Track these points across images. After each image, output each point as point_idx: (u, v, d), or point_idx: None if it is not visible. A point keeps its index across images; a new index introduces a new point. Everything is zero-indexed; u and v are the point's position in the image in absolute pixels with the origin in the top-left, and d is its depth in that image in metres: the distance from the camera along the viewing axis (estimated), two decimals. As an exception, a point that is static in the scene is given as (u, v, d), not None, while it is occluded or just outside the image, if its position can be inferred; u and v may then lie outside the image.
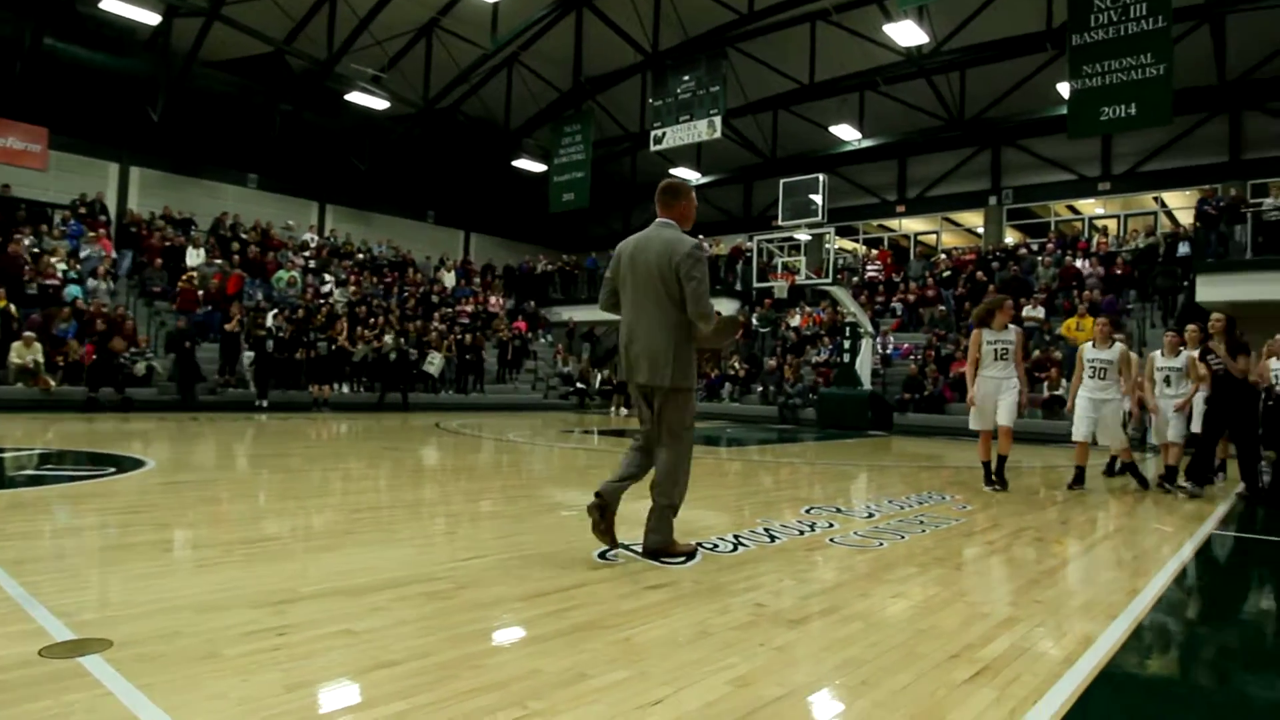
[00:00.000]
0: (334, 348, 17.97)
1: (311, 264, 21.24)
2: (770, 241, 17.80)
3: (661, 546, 4.16)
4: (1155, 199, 22.06)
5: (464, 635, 2.94)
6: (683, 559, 4.14)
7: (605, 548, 4.28)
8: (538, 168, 25.02)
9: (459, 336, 20.75)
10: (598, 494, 4.11)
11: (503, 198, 28.19)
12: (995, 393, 7.12)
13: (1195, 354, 7.88)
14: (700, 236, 25.78)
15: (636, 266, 4.11)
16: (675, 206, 4.20)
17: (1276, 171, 18.98)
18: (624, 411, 20.41)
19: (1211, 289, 15.85)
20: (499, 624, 3.08)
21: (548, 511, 5.48)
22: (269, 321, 17.49)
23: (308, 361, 17.31)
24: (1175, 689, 2.77)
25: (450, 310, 22.51)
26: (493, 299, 24.61)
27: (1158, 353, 8.08)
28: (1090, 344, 7.62)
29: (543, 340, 24.86)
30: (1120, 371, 7.49)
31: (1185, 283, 16.89)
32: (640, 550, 4.22)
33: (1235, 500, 7.21)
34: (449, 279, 24.54)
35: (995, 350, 7.16)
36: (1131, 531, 5.57)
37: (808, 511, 5.74)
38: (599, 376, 23.11)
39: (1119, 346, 7.48)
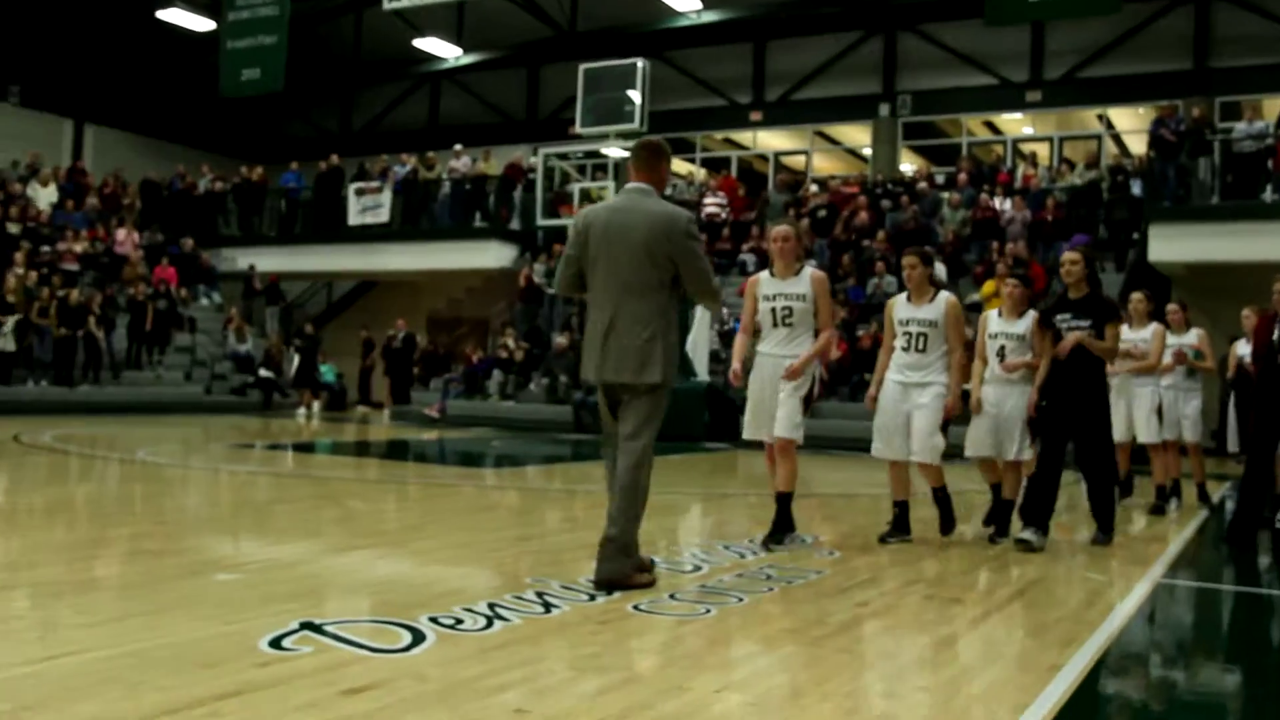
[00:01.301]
0: None
1: None
2: (565, 158, 17.87)
3: (620, 576, 5.11)
4: (1100, 117, 24.07)
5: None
6: (646, 586, 5.13)
7: (288, 630, 4.16)
8: (200, 24, 23.88)
9: (60, 293, 19.50)
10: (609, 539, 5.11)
11: (140, 70, 26.72)
12: (772, 381, 6.70)
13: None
14: (473, 146, 25.53)
15: (613, 243, 5.12)
16: (658, 169, 5.32)
17: (1252, 86, 21.11)
18: (307, 412, 19.92)
19: (1167, 244, 17.46)
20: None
21: (195, 575, 5.33)
22: None
23: None
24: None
25: (49, 249, 21.22)
26: (121, 233, 23.44)
27: (994, 312, 7.82)
28: (904, 297, 7.27)
29: (205, 301, 23.89)
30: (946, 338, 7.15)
31: (1136, 234, 18.50)
32: (594, 581, 5.12)
33: (1194, 535, 7.98)
34: (44, 196, 23.11)
35: (774, 311, 6.78)
36: (1055, 583, 6.02)
37: (605, 565, 5.79)
38: (295, 359, 22.46)
39: (944, 297, 7.17)
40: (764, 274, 6.99)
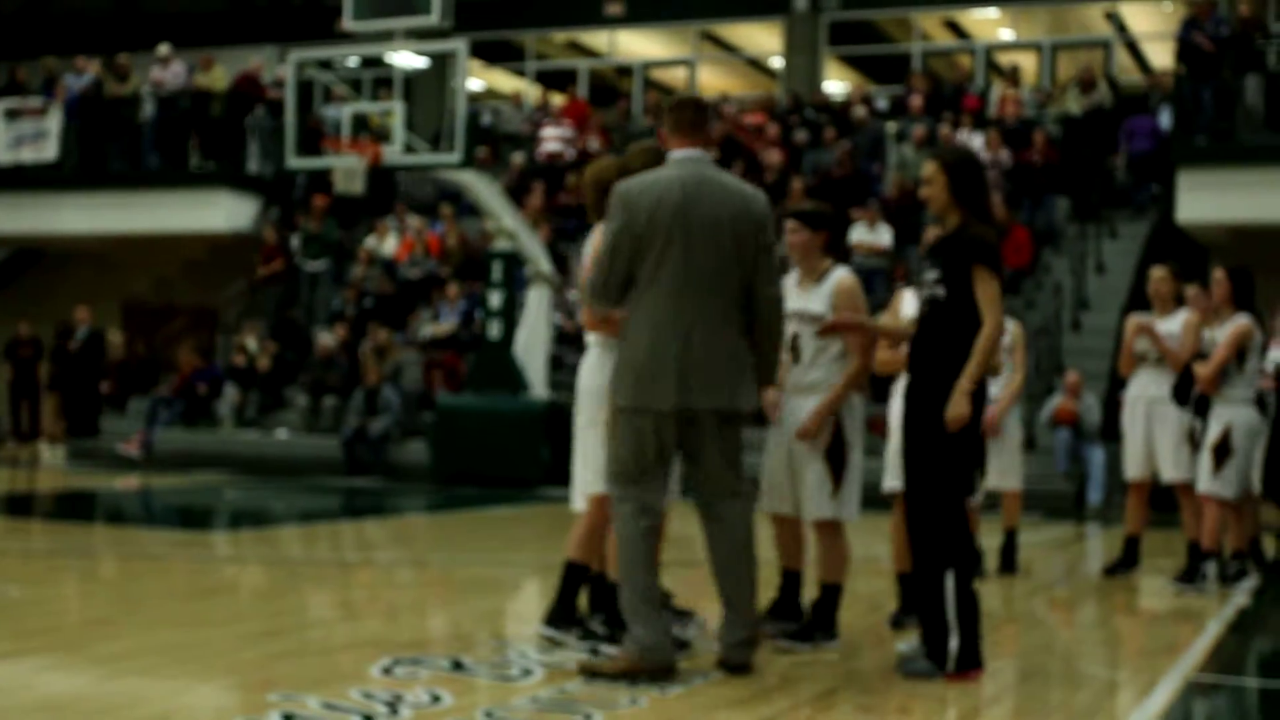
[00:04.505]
0: None
1: None
2: (329, 67, 17.74)
3: (750, 659, 5.95)
4: (1109, 17, 24.66)
5: None
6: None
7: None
8: None
9: None
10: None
11: None
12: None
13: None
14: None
15: (694, 228, 5.72)
16: (706, 132, 6.08)
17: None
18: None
19: (1202, 198, 17.86)
20: None
21: None
22: None
23: None
24: None
25: None
26: None
27: (790, 277, 7.19)
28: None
29: None
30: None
31: (1157, 187, 18.97)
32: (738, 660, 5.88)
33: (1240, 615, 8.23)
34: None
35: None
36: (1047, 682, 6.17)
37: (388, 671, 5.81)
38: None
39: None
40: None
